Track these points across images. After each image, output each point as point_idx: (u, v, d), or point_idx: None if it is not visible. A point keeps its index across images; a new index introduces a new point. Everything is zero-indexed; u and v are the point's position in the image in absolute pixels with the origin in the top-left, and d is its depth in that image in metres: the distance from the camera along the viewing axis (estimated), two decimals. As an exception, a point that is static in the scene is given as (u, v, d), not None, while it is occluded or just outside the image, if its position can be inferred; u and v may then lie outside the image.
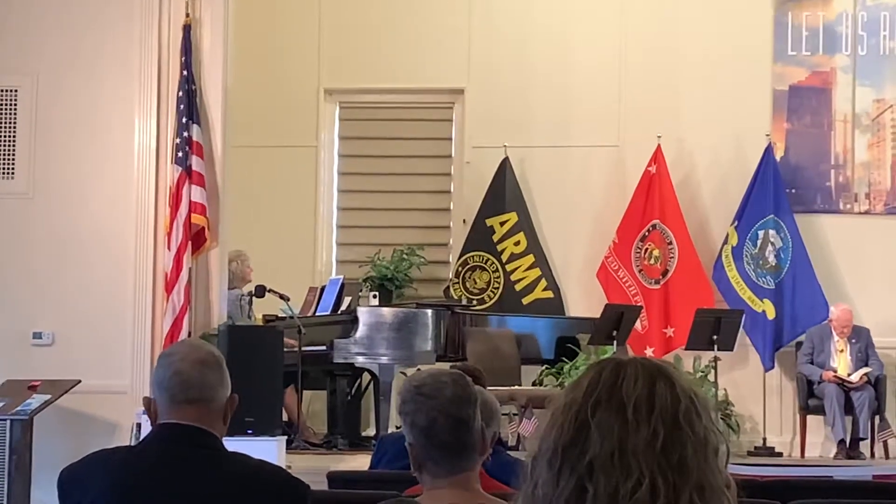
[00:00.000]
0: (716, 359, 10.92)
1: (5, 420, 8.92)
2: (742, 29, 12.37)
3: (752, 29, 12.40)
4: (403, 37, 12.71)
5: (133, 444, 8.17)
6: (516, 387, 10.51)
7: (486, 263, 12.47)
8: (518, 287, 12.42)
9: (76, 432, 9.43)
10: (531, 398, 10.09)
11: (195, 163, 9.74)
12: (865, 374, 11.26)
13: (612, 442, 1.69)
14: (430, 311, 10.60)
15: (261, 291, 10.36)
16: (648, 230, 12.26)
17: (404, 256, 12.34)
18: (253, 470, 3.19)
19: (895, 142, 12.38)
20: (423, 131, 12.95)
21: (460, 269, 12.49)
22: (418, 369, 9.02)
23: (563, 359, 10.96)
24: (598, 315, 11.03)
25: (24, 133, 9.97)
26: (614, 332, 10.62)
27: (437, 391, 3.05)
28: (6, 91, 10.01)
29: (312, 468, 7.89)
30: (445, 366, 8.98)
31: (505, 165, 12.51)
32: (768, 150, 12.20)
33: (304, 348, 10.07)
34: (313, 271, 12.66)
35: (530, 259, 12.44)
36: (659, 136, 12.20)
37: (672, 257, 12.22)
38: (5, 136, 9.99)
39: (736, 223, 12.16)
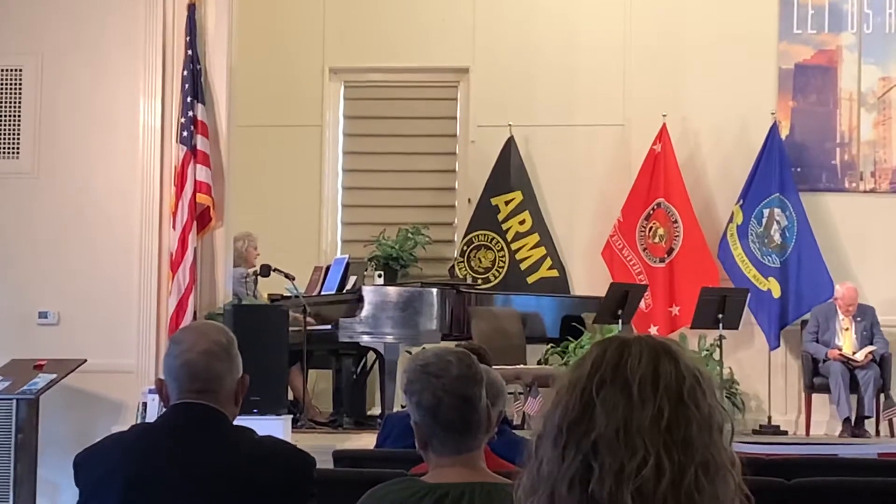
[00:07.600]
0: (721, 337, 10.91)
1: (11, 399, 8.93)
2: (747, 7, 12.34)
3: (757, 7, 12.36)
4: (408, 16, 12.68)
5: (139, 423, 8.21)
6: (521, 366, 10.50)
7: (491, 242, 12.46)
8: (523, 266, 12.41)
9: (82, 412, 9.45)
10: (536, 377, 10.09)
11: (200, 142, 9.73)
12: (870, 352, 11.26)
13: (616, 420, 1.69)
14: (435, 291, 10.59)
15: (266, 271, 10.37)
16: (653, 209, 12.24)
17: (409, 236, 12.33)
18: (259, 443, 3.28)
19: (901, 120, 12.37)
20: (427, 110, 12.93)
21: (465, 248, 12.48)
22: (423, 348, 9.02)
23: (569, 337, 10.95)
24: (602, 294, 11.01)
25: (28, 113, 9.97)
26: (619, 311, 10.61)
27: (444, 370, 3.04)
28: (10, 71, 10.00)
29: (318, 447, 7.84)
30: (450, 345, 8.98)
31: (510, 144, 12.50)
32: (773, 129, 12.18)
33: (309, 327, 10.08)
34: (318, 251, 12.66)
35: (535, 238, 12.44)
36: (664, 115, 12.17)
37: (677, 236, 12.20)
38: (10, 116, 9.98)
39: (741, 202, 12.15)
